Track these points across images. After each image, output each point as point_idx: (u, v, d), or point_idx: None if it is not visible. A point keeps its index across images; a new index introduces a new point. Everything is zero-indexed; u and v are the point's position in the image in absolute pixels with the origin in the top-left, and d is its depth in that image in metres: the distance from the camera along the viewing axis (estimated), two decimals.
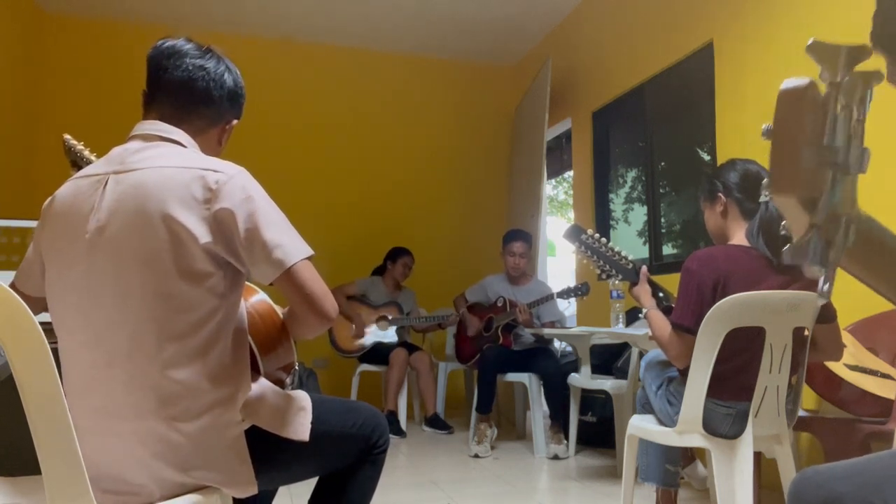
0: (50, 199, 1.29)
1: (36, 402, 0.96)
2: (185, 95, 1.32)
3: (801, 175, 0.64)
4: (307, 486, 1.51)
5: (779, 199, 0.67)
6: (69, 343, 1.21)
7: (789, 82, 0.65)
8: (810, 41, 0.65)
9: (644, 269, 2.21)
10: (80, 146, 2.05)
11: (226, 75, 1.37)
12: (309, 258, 1.22)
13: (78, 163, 2.03)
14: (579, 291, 3.74)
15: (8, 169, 4.45)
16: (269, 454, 1.29)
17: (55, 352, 0.98)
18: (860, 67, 0.65)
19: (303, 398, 1.37)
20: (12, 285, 1.35)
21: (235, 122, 1.42)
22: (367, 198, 5.73)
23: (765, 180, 0.68)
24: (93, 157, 2.03)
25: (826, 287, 0.68)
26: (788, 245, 0.69)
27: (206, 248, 1.16)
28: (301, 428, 1.31)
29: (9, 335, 0.94)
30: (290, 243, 1.20)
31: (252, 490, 1.23)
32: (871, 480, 0.87)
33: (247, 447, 1.22)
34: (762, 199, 1.96)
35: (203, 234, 1.16)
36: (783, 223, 0.72)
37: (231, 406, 1.20)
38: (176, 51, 1.33)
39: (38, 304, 1.34)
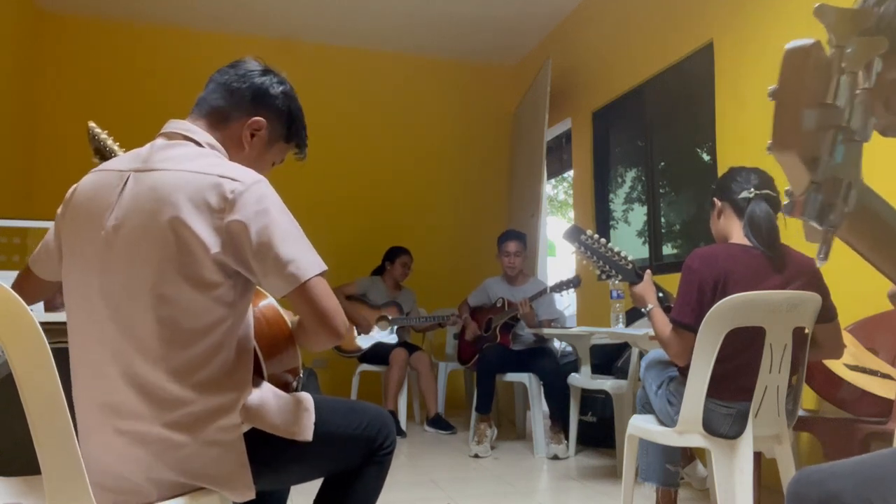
0: (73, 188, 1.30)
1: (36, 402, 0.96)
2: (209, 88, 1.37)
3: (802, 133, 0.65)
4: (312, 487, 1.50)
5: (780, 157, 0.67)
6: (79, 338, 1.22)
7: (794, 43, 0.65)
8: (818, 5, 0.65)
9: (648, 271, 2.22)
10: (104, 134, 2.04)
11: (254, 74, 1.38)
12: (322, 273, 1.21)
13: (101, 151, 2.04)
14: (572, 284, 3.75)
15: (7, 169, 4.45)
16: (273, 456, 1.29)
17: (56, 352, 0.98)
18: (866, 34, 0.65)
19: (305, 399, 1.36)
20: (27, 268, 1.37)
21: (261, 120, 1.37)
22: (367, 198, 5.73)
23: (768, 142, 0.68)
24: (115, 146, 2.04)
25: (824, 251, 0.68)
26: (787, 201, 0.69)
27: (216, 259, 1.15)
28: (304, 429, 1.30)
29: (9, 335, 0.94)
30: (303, 258, 1.18)
31: (250, 495, 1.23)
32: (871, 479, 0.87)
33: (245, 452, 1.22)
34: (744, 194, 1.99)
35: (214, 244, 1.15)
36: (786, 201, 0.71)
37: (232, 411, 1.20)
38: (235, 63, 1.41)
39: (52, 288, 1.34)
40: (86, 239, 1.22)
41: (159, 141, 1.29)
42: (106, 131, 2.06)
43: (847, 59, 0.64)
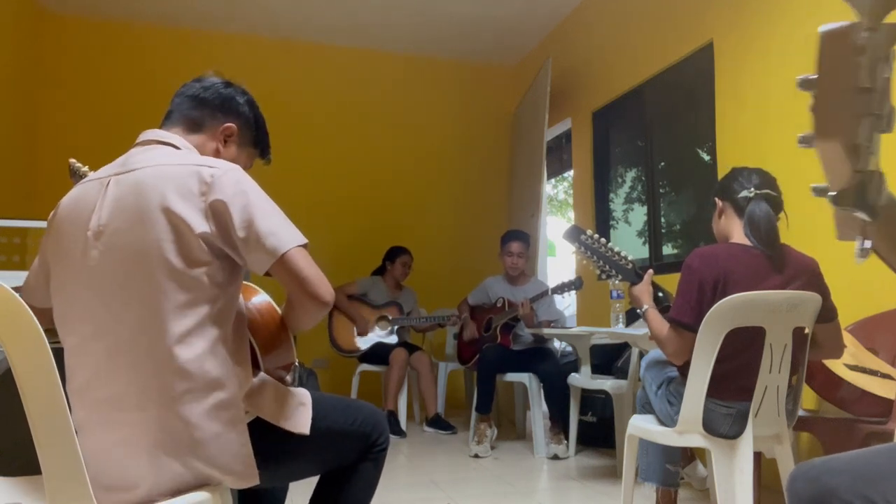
0: (55, 208, 1.34)
1: (36, 402, 0.96)
2: (176, 102, 1.44)
3: (846, 119, 0.62)
4: (308, 486, 1.51)
5: (823, 145, 0.64)
6: (74, 339, 1.23)
7: (829, 26, 0.62)
8: None
9: (650, 271, 2.22)
10: (84, 168, 2.08)
11: (219, 86, 1.46)
12: (303, 245, 1.25)
13: None
14: (573, 285, 3.76)
15: (8, 169, 4.45)
16: (271, 449, 1.30)
17: (56, 352, 0.98)
18: (891, 19, 0.62)
19: (303, 394, 1.40)
20: None
21: (232, 126, 1.45)
22: (367, 198, 5.73)
23: (800, 135, 0.65)
24: None
25: (866, 245, 0.66)
26: (835, 192, 0.66)
27: (203, 237, 1.20)
28: (302, 421, 1.33)
29: (9, 335, 0.94)
30: (283, 231, 1.24)
31: (253, 481, 1.24)
32: (868, 474, 0.87)
33: (248, 434, 1.24)
34: (744, 193, 1.99)
35: (199, 224, 1.20)
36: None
37: (231, 394, 1.22)
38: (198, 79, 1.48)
39: (46, 316, 1.35)
40: (72, 244, 1.25)
41: (134, 149, 1.34)
42: (87, 166, 2.08)
43: (874, 43, 0.62)
